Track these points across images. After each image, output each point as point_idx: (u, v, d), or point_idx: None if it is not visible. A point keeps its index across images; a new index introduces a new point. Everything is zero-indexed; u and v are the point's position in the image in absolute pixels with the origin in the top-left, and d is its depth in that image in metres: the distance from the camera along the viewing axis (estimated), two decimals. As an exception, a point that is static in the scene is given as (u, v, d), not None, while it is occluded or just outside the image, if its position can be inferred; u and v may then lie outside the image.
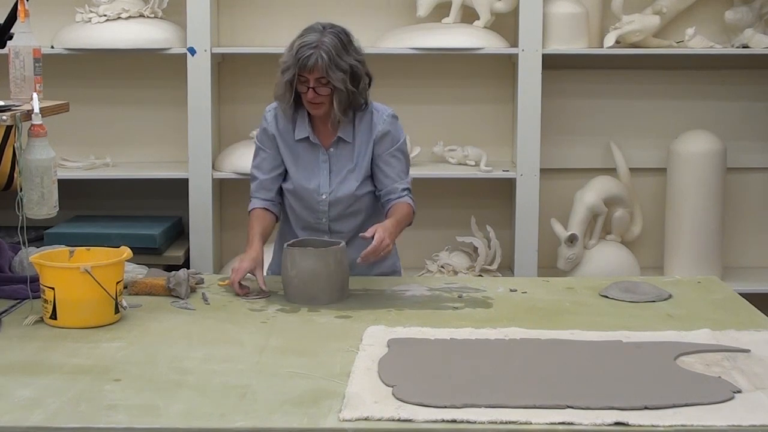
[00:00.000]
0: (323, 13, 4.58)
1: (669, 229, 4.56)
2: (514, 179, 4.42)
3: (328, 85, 3.09)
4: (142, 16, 4.35)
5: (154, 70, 4.58)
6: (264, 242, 3.21)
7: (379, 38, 4.48)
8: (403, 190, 3.25)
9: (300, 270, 2.99)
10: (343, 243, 3.08)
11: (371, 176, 3.27)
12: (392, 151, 3.25)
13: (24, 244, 2.83)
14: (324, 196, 3.24)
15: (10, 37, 3.06)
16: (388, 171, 3.25)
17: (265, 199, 3.30)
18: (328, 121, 3.20)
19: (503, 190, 4.63)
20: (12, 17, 3.07)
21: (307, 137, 3.23)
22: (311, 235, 3.25)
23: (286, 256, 3.04)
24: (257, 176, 3.32)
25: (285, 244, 3.07)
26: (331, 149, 3.24)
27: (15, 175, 3.02)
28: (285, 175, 3.30)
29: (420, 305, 2.99)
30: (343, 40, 3.13)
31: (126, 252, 2.83)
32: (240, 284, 3.07)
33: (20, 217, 2.75)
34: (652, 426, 2.10)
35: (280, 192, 3.32)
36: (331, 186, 3.24)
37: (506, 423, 2.10)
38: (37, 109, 2.77)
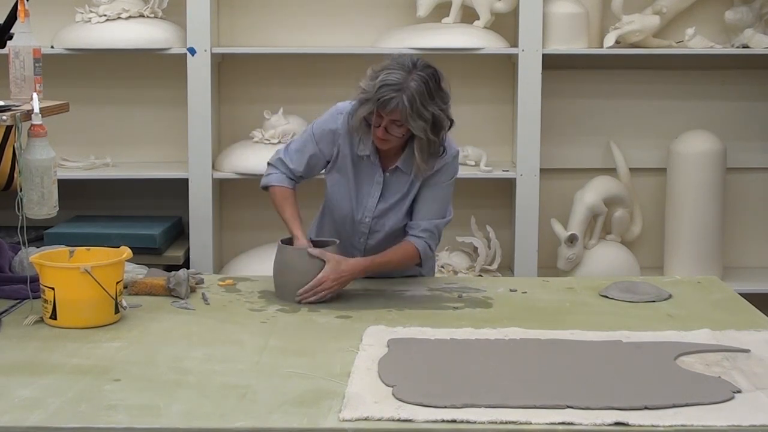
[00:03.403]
0: (323, 14, 4.60)
1: (669, 229, 4.56)
2: (514, 179, 4.42)
3: (403, 127, 2.94)
4: (142, 16, 4.35)
5: (154, 70, 4.57)
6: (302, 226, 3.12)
7: (379, 38, 4.48)
8: (424, 230, 3.12)
9: (293, 269, 3.00)
10: (337, 242, 3.08)
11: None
12: (434, 189, 3.11)
13: (24, 244, 2.83)
14: (367, 220, 3.16)
15: (10, 37, 3.06)
16: (419, 206, 3.13)
17: (290, 178, 3.17)
18: (393, 151, 3.08)
19: (503, 190, 4.63)
20: (12, 17, 3.07)
21: (368, 155, 3.09)
22: (344, 247, 3.16)
23: (279, 255, 3.04)
24: (291, 163, 3.16)
25: (279, 240, 3.07)
26: (387, 174, 3.11)
27: (15, 175, 3.02)
28: (330, 184, 3.19)
29: (420, 305, 2.99)
30: (431, 86, 2.91)
31: (126, 252, 2.83)
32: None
33: (20, 217, 2.75)
34: (652, 426, 2.10)
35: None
36: (375, 212, 3.15)
37: (506, 423, 2.10)
38: (37, 109, 2.77)
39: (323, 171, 3.23)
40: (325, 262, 2.99)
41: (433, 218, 3.14)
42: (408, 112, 2.89)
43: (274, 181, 3.18)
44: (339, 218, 3.21)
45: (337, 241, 3.10)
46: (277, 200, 3.15)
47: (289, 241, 3.09)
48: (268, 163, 3.23)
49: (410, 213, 3.16)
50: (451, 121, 3.03)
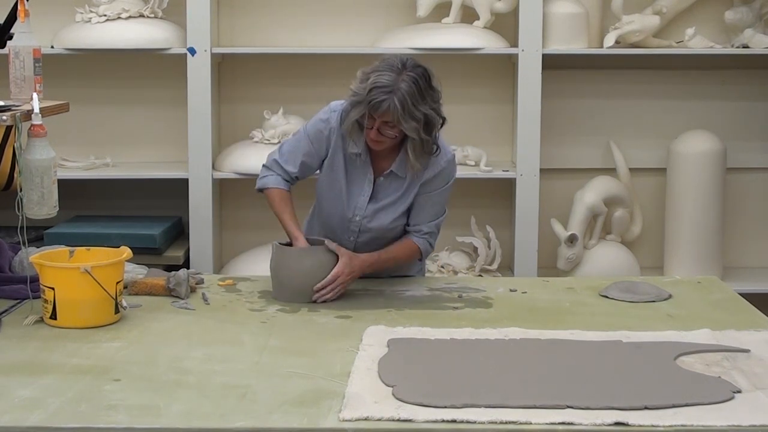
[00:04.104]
0: (323, 14, 4.60)
1: (669, 229, 4.56)
2: (514, 179, 4.42)
3: (395, 128, 2.94)
4: (142, 16, 4.35)
5: (154, 70, 4.57)
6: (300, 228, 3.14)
7: (379, 38, 4.48)
8: (426, 233, 3.15)
9: (297, 269, 2.99)
10: (335, 244, 3.08)
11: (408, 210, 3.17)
12: (433, 195, 3.13)
13: (24, 244, 2.83)
14: (358, 218, 3.15)
15: (10, 37, 3.06)
16: (418, 211, 3.14)
17: (285, 180, 3.17)
18: (386, 151, 3.08)
19: (503, 190, 4.63)
20: (12, 17, 3.07)
21: (359, 153, 3.08)
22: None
23: (277, 254, 3.04)
24: (285, 164, 3.16)
25: (275, 242, 3.07)
26: (381, 179, 3.11)
27: (15, 175, 3.02)
28: (321, 181, 3.19)
29: (420, 305, 2.99)
30: (421, 86, 2.92)
31: (126, 252, 2.83)
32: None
33: (20, 217, 2.75)
34: (652, 426, 2.10)
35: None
36: (366, 212, 3.13)
37: (506, 423, 2.10)
38: (37, 109, 2.77)
39: (318, 171, 3.22)
40: (321, 259, 3.00)
41: (432, 220, 3.17)
42: (400, 114, 2.89)
43: (270, 183, 3.18)
44: (329, 217, 3.20)
45: (329, 241, 3.09)
46: (275, 203, 3.15)
47: (286, 244, 3.09)
48: (263, 166, 3.23)
49: (404, 216, 3.16)
50: (443, 119, 3.03)
